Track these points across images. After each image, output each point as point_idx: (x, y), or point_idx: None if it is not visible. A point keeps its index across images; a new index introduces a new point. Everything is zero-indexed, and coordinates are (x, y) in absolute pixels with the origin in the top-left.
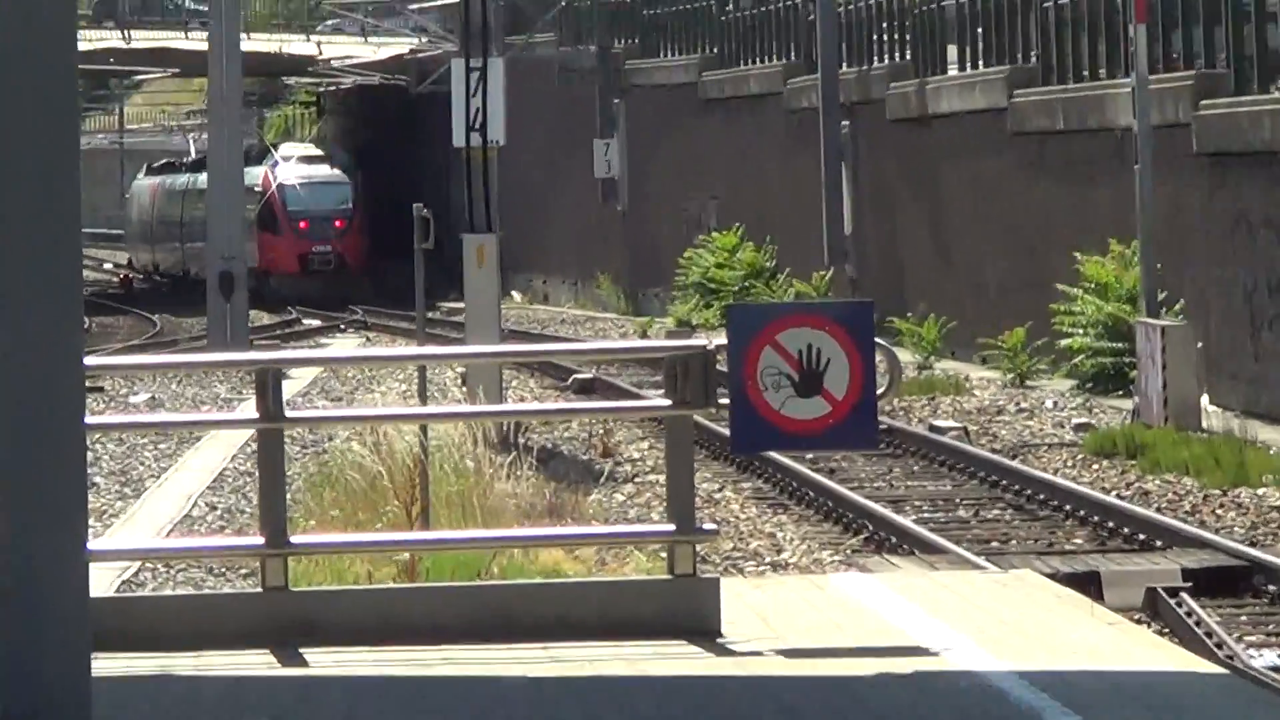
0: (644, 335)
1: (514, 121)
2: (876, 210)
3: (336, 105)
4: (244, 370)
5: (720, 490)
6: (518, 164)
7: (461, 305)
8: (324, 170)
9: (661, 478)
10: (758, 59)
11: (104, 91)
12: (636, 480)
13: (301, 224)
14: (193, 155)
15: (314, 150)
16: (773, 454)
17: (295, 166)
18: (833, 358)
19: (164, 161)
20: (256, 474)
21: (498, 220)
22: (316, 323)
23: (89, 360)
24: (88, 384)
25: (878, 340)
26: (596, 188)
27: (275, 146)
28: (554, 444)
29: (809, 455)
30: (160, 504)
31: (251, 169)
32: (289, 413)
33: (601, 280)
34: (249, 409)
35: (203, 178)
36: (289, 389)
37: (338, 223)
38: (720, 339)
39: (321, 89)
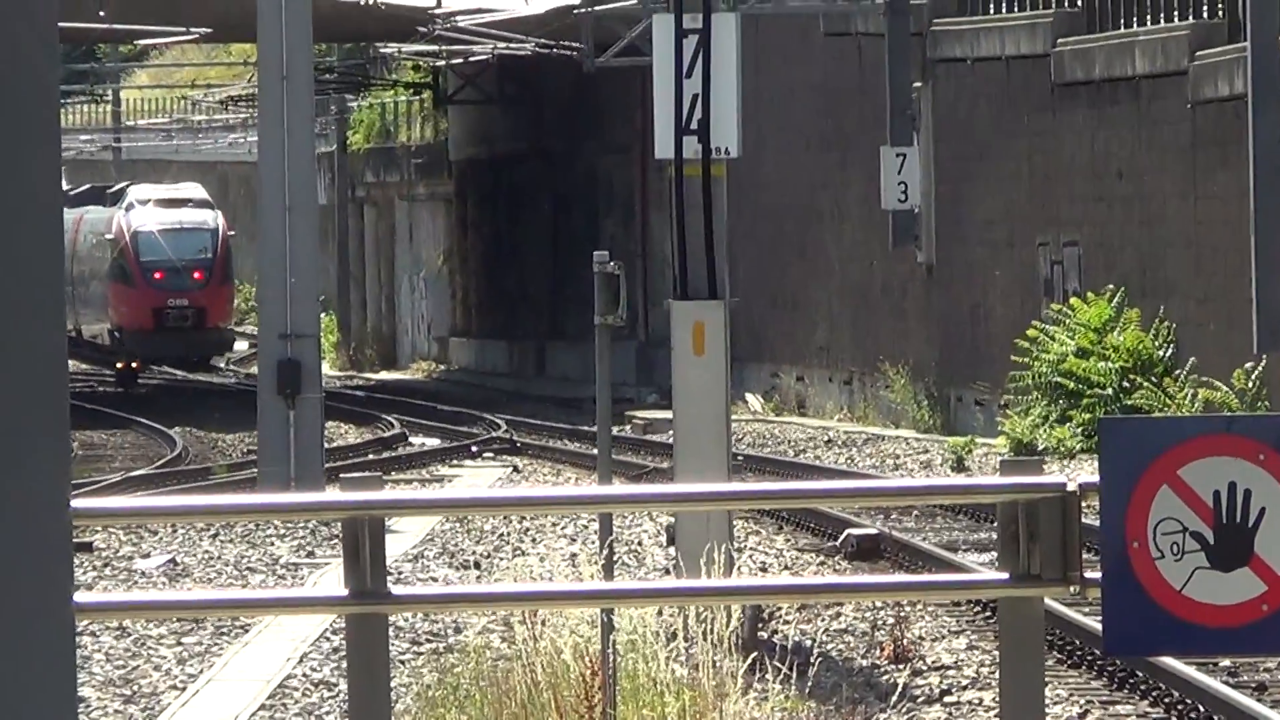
0: (960, 466)
1: (750, 118)
2: None
3: (467, 89)
4: (322, 519)
5: (1083, 718)
6: (754, 186)
7: (666, 415)
8: (185, 215)
9: (988, 697)
10: (1148, 17)
11: (90, 65)
12: (948, 700)
13: (156, 275)
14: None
15: (178, 193)
16: (1168, 659)
17: (152, 211)
18: (1270, 506)
19: None
20: (344, 685)
21: (726, 279)
22: (435, 442)
23: (75, 503)
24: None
25: None
26: (884, 227)
27: (126, 186)
28: (816, 641)
29: (1224, 661)
30: None
31: (105, 212)
32: (394, 588)
33: (892, 376)
34: (330, 582)
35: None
36: (393, 549)
37: (196, 274)
38: (1088, 474)
39: (441, 62)
